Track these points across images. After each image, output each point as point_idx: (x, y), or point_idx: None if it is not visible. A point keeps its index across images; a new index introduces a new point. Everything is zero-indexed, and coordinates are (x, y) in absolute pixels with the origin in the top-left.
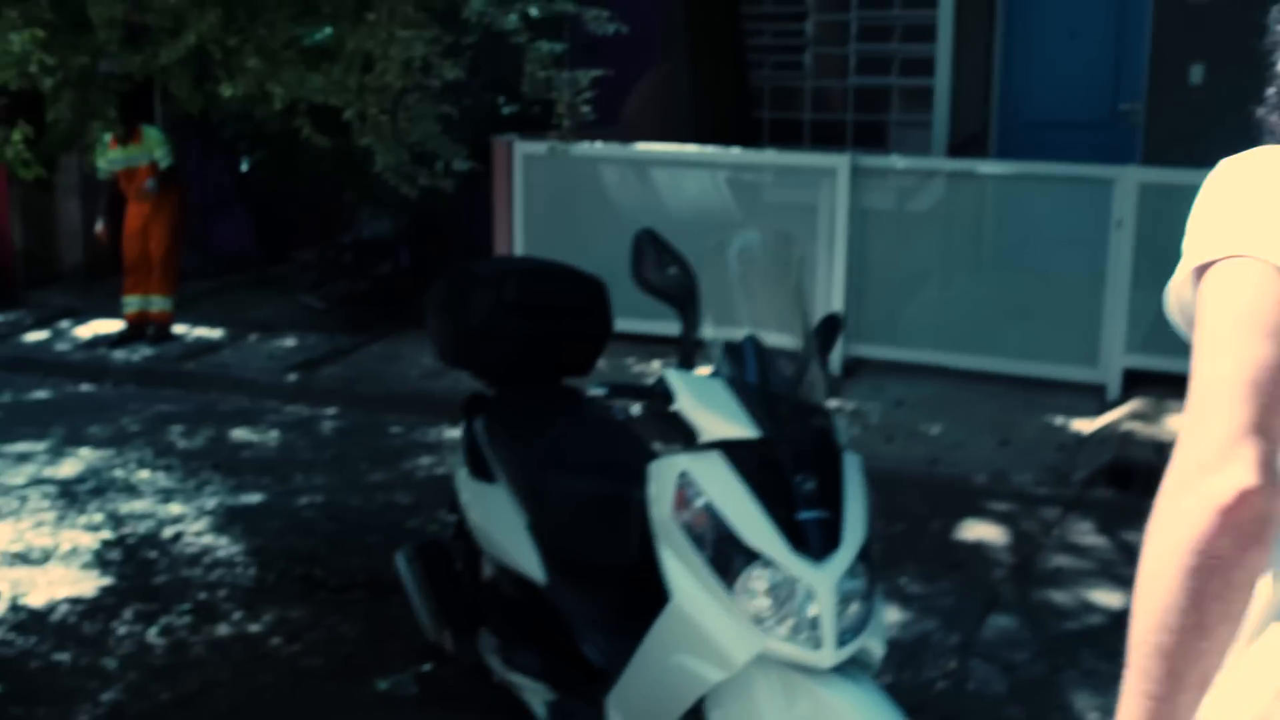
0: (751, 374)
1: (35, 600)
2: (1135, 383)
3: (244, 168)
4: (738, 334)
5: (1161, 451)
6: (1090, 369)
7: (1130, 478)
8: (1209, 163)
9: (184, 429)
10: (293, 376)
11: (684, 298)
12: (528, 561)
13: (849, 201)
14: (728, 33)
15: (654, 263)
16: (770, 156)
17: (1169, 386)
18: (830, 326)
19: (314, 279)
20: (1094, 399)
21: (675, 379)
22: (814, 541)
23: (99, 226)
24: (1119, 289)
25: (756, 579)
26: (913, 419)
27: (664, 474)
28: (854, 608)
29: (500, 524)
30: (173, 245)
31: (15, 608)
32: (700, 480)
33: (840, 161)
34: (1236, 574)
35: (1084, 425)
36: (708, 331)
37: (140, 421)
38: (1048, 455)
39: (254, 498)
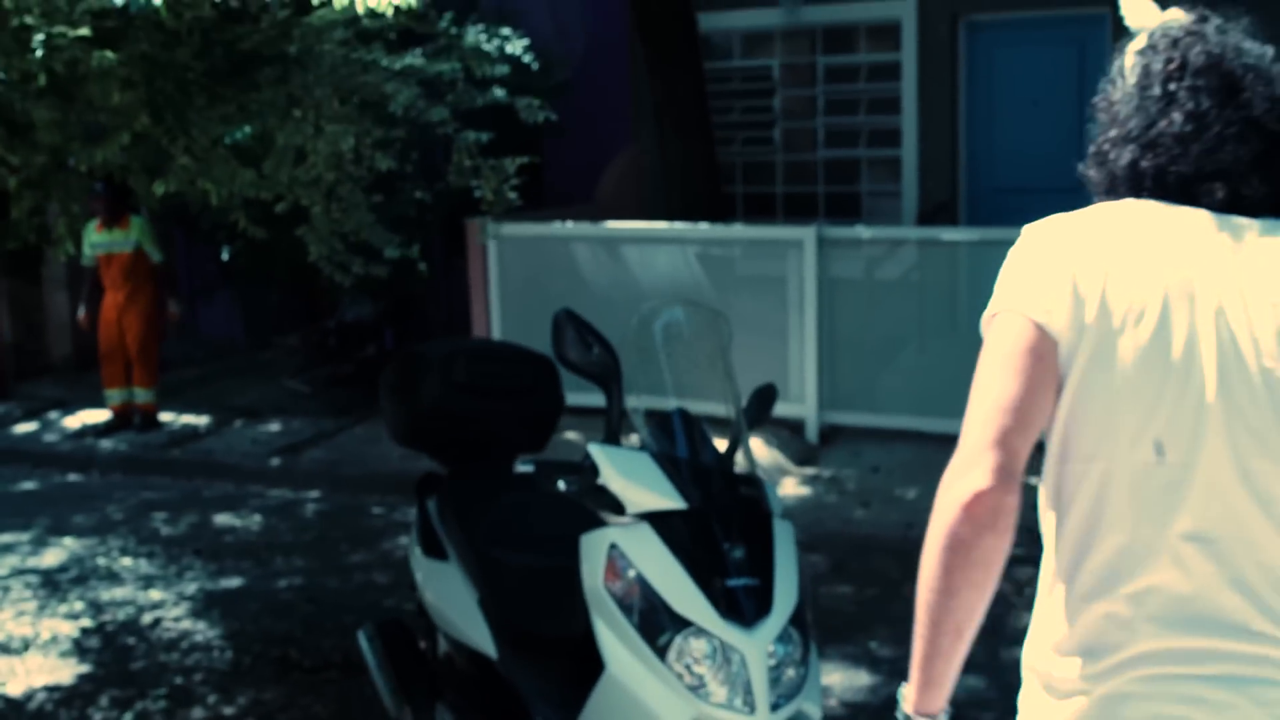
0: (681, 446)
1: (14, 689)
2: None
3: (225, 256)
4: (666, 407)
5: None
6: None
7: None
8: None
9: (167, 516)
10: (276, 460)
11: (607, 375)
12: (479, 636)
13: (817, 272)
14: (694, 111)
15: (575, 341)
16: (738, 231)
17: None
18: (765, 397)
19: (299, 363)
20: None
21: (599, 454)
22: (744, 608)
23: (81, 313)
24: None
25: (688, 647)
26: (889, 484)
27: (595, 546)
28: (789, 673)
29: (452, 600)
30: (148, 336)
31: None
32: (629, 552)
33: (806, 234)
34: (975, 553)
35: None
36: (635, 405)
37: (124, 510)
38: (1022, 515)
39: (234, 582)
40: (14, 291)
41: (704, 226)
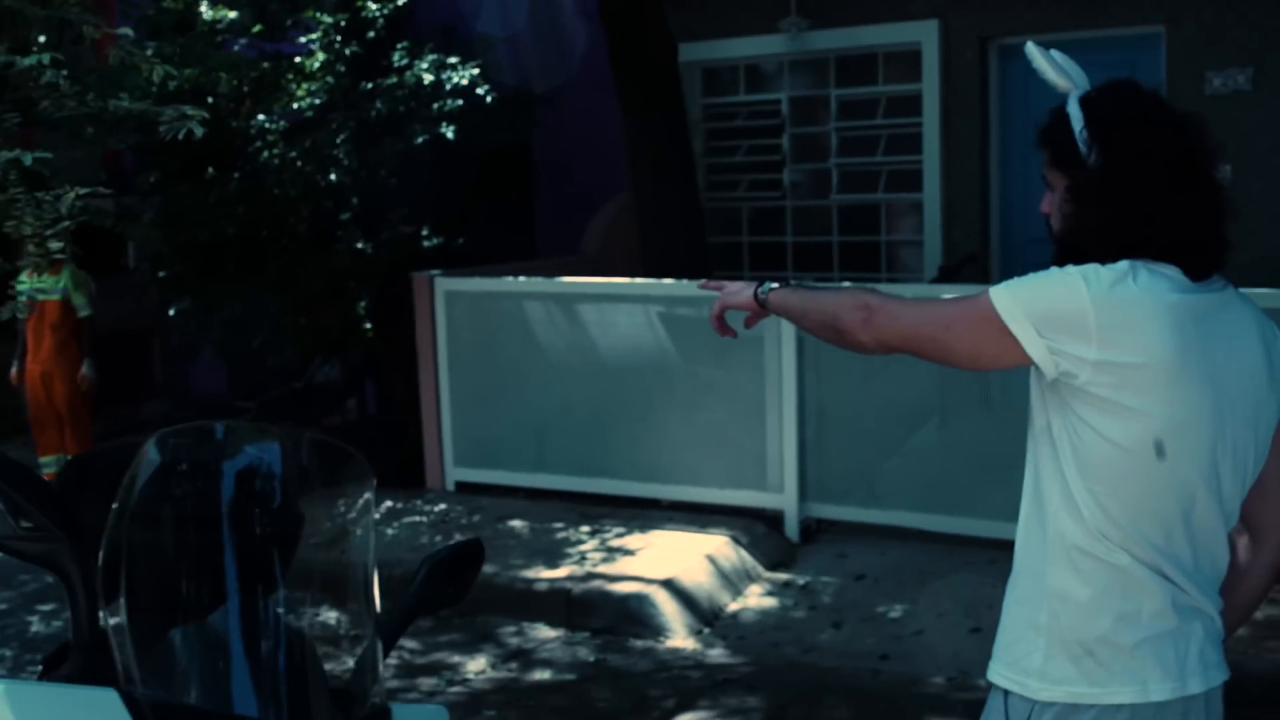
0: (236, 667)
1: None
2: None
3: (171, 312)
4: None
5: None
6: None
7: None
8: (1255, 278)
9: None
10: None
11: (57, 557)
12: None
13: (798, 333)
14: (674, 152)
15: None
16: None
17: None
18: (454, 567)
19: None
20: None
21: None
22: None
23: (13, 370)
24: None
25: None
26: (872, 598)
27: None
28: None
29: None
30: (76, 399)
31: None
32: None
33: None
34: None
35: None
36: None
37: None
38: None
39: None
40: None
41: (668, 282)
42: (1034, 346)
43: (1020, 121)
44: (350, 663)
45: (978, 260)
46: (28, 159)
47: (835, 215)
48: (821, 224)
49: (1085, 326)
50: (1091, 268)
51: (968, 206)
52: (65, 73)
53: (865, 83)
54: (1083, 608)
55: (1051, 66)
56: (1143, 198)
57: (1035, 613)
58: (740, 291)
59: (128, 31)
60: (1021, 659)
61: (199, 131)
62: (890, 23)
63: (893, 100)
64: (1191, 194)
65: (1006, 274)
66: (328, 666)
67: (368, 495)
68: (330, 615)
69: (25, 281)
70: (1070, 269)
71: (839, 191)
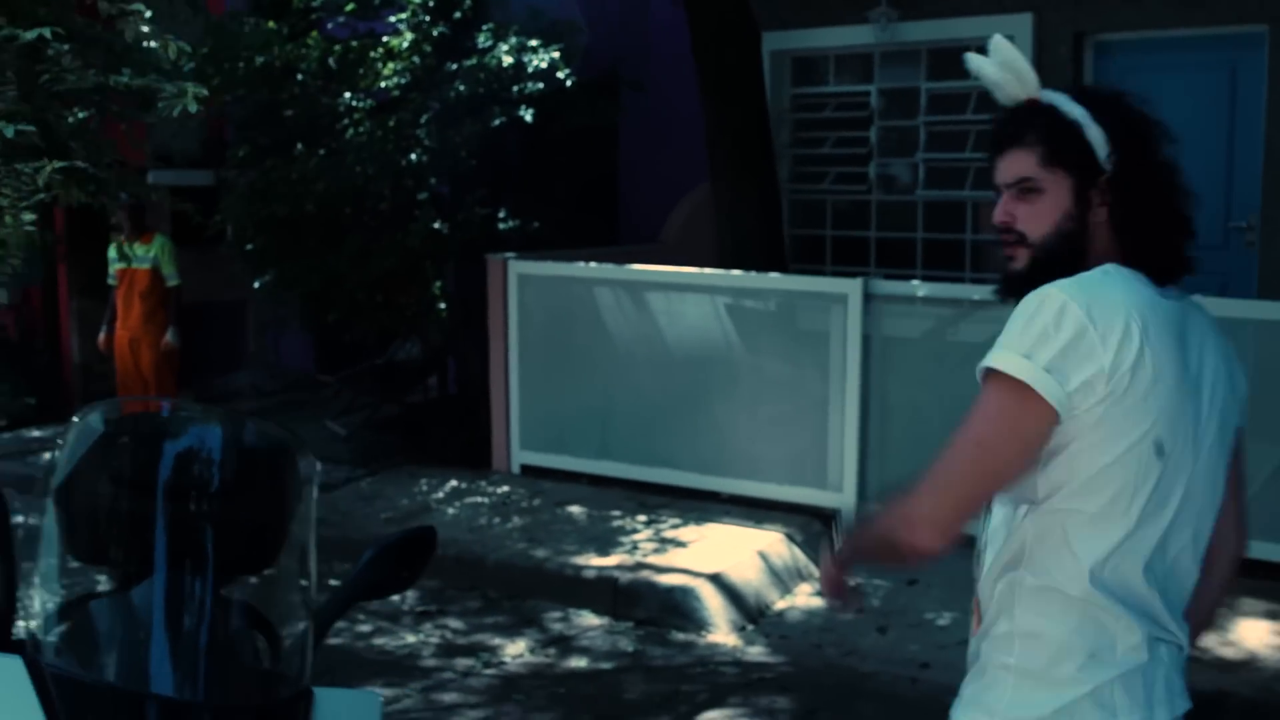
0: (156, 647)
1: None
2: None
3: (256, 285)
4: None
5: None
6: None
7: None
8: None
9: None
10: None
11: None
12: None
13: (862, 333)
14: (751, 142)
15: None
16: (775, 280)
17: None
18: (405, 550)
19: (344, 403)
20: None
21: None
22: None
23: (102, 335)
24: None
25: None
26: (921, 603)
27: None
28: None
29: None
30: (163, 365)
31: None
32: None
33: (851, 287)
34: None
35: None
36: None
37: None
38: None
39: None
40: (83, 312)
41: (735, 273)
42: (1053, 393)
43: None
44: (283, 643)
45: None
46: (9, 130)
47: (920, 211)
48: (906, 220)
49: (1090, 344)
50: (1069, 282)
51: None
52: (67, 47)
53: (956, 76)
54: (1053, 646)
55: (998, 66)
56: (1154, 202)
57: (1005, 654)
58: (830, 567)
59: (140, 7)
60: (989, 699)
61: (194, 108)
62: (983, 15)
63: (984, 95)
64: (1186, 198)
65: None
66: (258, 647)
67: (309, 478)
68: (265, 595)
69: (116, 251)
70: (1048, 294)
71: (925, 187)
